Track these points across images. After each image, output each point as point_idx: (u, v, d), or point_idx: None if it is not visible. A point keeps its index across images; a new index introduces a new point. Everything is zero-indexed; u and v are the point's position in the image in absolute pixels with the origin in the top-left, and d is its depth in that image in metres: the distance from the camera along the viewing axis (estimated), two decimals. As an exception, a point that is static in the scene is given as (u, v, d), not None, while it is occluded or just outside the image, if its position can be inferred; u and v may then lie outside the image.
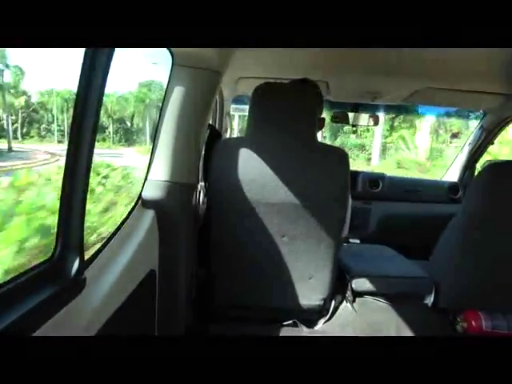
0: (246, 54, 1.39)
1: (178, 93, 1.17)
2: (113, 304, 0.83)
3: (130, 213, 1.05)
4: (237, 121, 5.74)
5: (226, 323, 1.37)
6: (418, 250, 1.81)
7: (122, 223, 1.00)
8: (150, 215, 1.10)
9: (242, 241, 1.33)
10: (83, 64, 0.67)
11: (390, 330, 1.37)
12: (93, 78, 0.68)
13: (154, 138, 1.16)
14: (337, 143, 13.12)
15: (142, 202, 1.11)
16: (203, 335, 1.30)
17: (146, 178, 1.15)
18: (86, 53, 0.67)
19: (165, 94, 1.18)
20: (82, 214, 0.70)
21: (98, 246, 0.89)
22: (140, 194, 1.12)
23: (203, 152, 1.37)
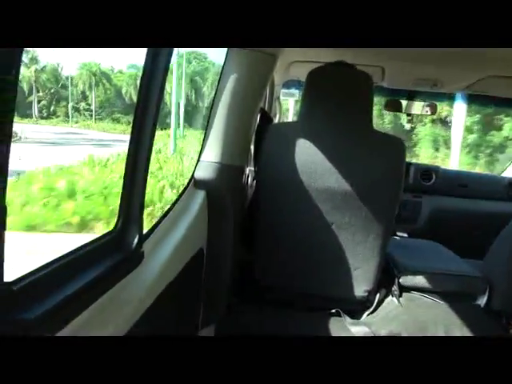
0: None
1: (232, 75, 1.17)
2: (165, 278, 0.87)
3: (183, 192, 1.08)
4: (292, 105, 5.65)
5: (267, 307, 1.38)
6: (470, 248, 1.72)
7: (176, 201, 1.03)
8: (201, 195, 1.12)
9: (289, 226, 1.33)
10: (145, 62, 0.71)
11: (437, 328, 1.32)
12: (154, 74, 0.72)
13: (208, 120, 1.18)
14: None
15: (194, 182, 1.14)
16: (242, 333, 1.31)
17: (198, 159, 1.17)
18: (148, 52, 0.71)
19: (220, 76, 1.18)
20: (142, 190, 0.73)
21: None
22: (193, 175, 1.14)
23: (254, 136, 1.37)
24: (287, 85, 2.25)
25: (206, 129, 1.19)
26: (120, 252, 0.69)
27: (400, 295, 1.42)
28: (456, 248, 1.69)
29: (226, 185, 1.17)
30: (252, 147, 1.45)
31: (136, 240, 0.72)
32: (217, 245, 1.18)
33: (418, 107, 2.45)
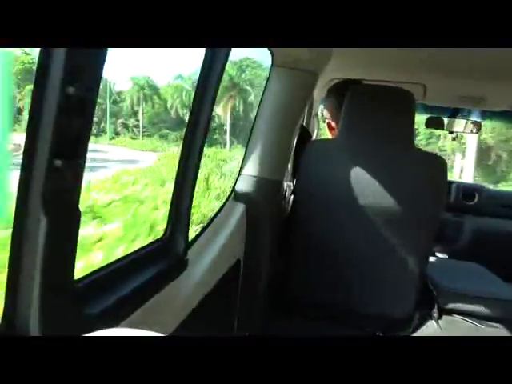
0: (342, 55, 1.38)
1: (275, 92, 1.21)
2: (205, 287, 0.90)
3: (224, 204, 1.13)
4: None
5: (303, 321, 1.38)
6: None
7: (217, 213, 1.07)
8: (240, 208, 1.16)
9: (326, 242, 1.33)
10: (203, 65, 0.75)
11: None
12: (210, 77, 0.75)
13: (250, 135, 1.22)
14: None
15: (234, 195, 1.18)
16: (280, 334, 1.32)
17: (239, 173, 1.21)
18: (205, 53, 0.75)
19: (263, 93, 1.23)
20: (190, 201, 0.78)
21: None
22: (233, 188, 1.19)
23: (293, 151, 1.40)
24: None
25: (248, 143, 1.23)
26: (168, 258, 0.74)
27: (439, 318, 1.38)
28: (499, 271, 1.62)
29: (264, 198, 1.20)
30: (291, 162, 1.48)
31: (182, 247, 0.76)
32: (253, 257, 1.21)
33: (460, 125, 2.39)
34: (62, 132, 0.41)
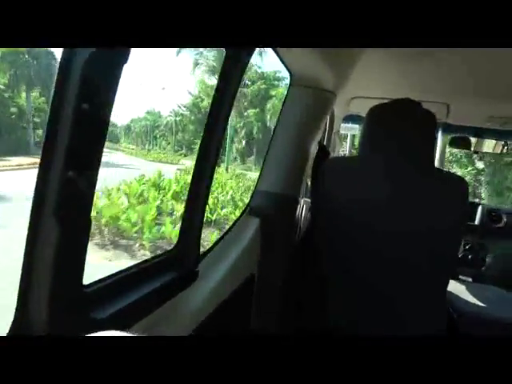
0: (362, 73, 1.38)
1: (292, 110, 1.23)
2: (216, 298, 0.91)
3: (238, 219, 1.14)
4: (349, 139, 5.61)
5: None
6: None
7: (231, 227, 1.09)
8: (255, 223, 1.17)
9: (345, 262, 1.31)
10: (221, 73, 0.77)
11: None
12: (227, 88, 0.77)
13: (267, 151, 1.24)
14: None
15: (249, 210, 1.19)
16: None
17: (255, 188, 1.23)
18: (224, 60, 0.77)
19: (280, 111, 1.25)
20: (202, 214, 0.80)
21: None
22: (249, 203, 1.20)
23: (311, 169, 1.41)
24: (347, 119, 2.28)
25: (265, 159, 1.25)
26: (179, 269, 0.76)
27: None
28: None
29: (279, 213, 1.21)
30: (309, 179, 1.48)
31: (193, 259, 0.78)
32: (267, 271, 1.21)
33: (488, 144, 2.33)
34: (76, 146, 0.44)
